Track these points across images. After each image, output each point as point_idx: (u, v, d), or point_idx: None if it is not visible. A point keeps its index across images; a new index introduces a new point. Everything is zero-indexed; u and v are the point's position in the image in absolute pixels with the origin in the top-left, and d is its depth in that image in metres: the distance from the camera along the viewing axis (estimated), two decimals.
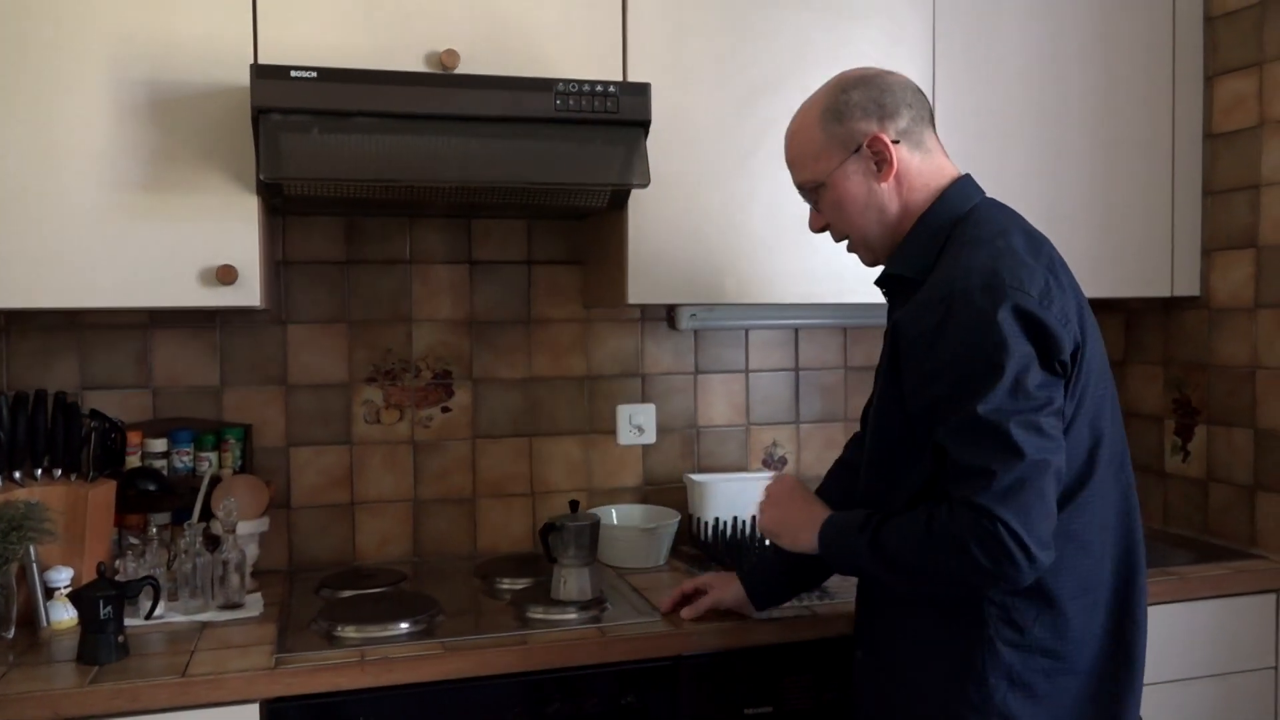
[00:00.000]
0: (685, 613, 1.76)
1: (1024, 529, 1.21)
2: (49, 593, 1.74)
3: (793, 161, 1.52)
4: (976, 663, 1.34)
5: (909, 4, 2.12)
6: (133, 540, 1.87)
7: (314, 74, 1.69)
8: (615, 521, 2.26)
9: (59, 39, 1.70)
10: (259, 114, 1.69)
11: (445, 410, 2.28)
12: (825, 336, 2.53)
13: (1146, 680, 1.44)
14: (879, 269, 1.52)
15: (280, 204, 2.04)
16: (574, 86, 1.80)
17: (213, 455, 2.08)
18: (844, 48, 2.07)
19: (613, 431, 2.37)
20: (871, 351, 2.54)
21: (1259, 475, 2.26)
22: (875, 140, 1.41)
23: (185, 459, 2.07)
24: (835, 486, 1.78)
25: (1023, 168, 2.19)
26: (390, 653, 1.61)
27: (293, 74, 1.68)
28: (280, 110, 1.69)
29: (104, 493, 1.86)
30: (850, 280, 2.00)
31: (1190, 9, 2.34)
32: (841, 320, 2.51)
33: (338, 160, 1.72)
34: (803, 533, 1.49)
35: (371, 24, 1.83)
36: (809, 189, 1.50)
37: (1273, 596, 2.08)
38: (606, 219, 2.10)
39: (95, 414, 1.91)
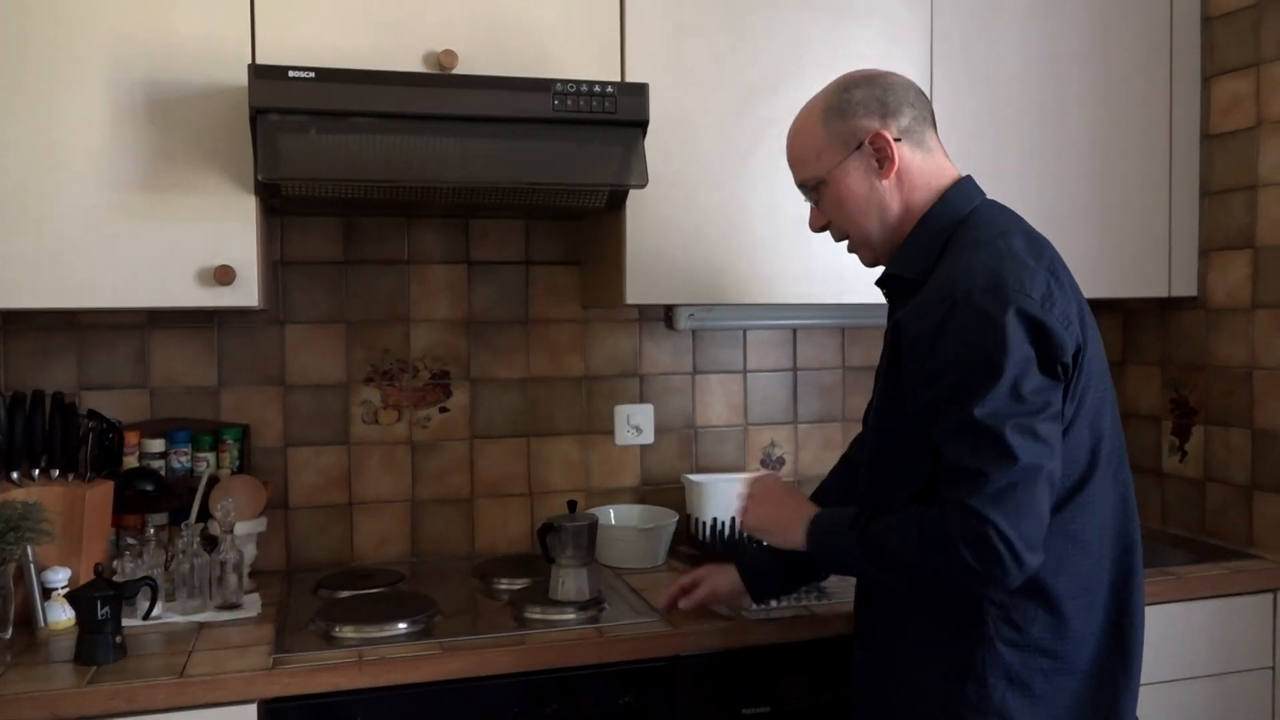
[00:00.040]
0: (682, 603, 1.76)
1: (1014, 532, 1.22)
2: (46, 593, 1.74)
3: (794, 159, 1.52)
4: (976, 662, 1.34)
5: (907, 5, 2.12)
6: (130, 541, 1.87)
7: (312, 74, 1.69)
8: (613, 522, 2.26)
9: (58, 39, 1.69)
10: (257, 114, 1.69)
11: (443, 410, 2.28)
12: (823, 337, 2.53)
13: (1144, 680, 1.44)
14: (878, 270, 1.53)
15: (278, 204, 2.04)
16: (572, 87, 1.80)
17: (210, 455, 2.08)
18: (842, 48, 2.07)
19: (611, 432, 2.37)
20: (869, 352, 2.54)
21: (1256, 475, 2.26)
22: (877, 137, 1.42)
23: (183, 459, 2.07)
24: (836, 485, 1.78)
25: (1020, 168, 2.19)
26: (388, 653, 1.61)
27: (291, 74, 1.68)
28: (278, 110, 1.69)
29: (101, 493, 1.85)
30: (848, 280, 2.00)
31: (1188, 10, 2.34)
32: (839, 320, 2.51)
33: (336, 160, 1.72)
34: (792, 530, 1.49)
35: (370, 24, 1.83)
36: (810, 187, 1.50)
37: (1270, 596, 2.09)
38: (604, 219, 2.10)
39: (93, 414, 1.91)
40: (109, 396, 2.06)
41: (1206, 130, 2.36)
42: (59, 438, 1.84)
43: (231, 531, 1.85)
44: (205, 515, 1.95)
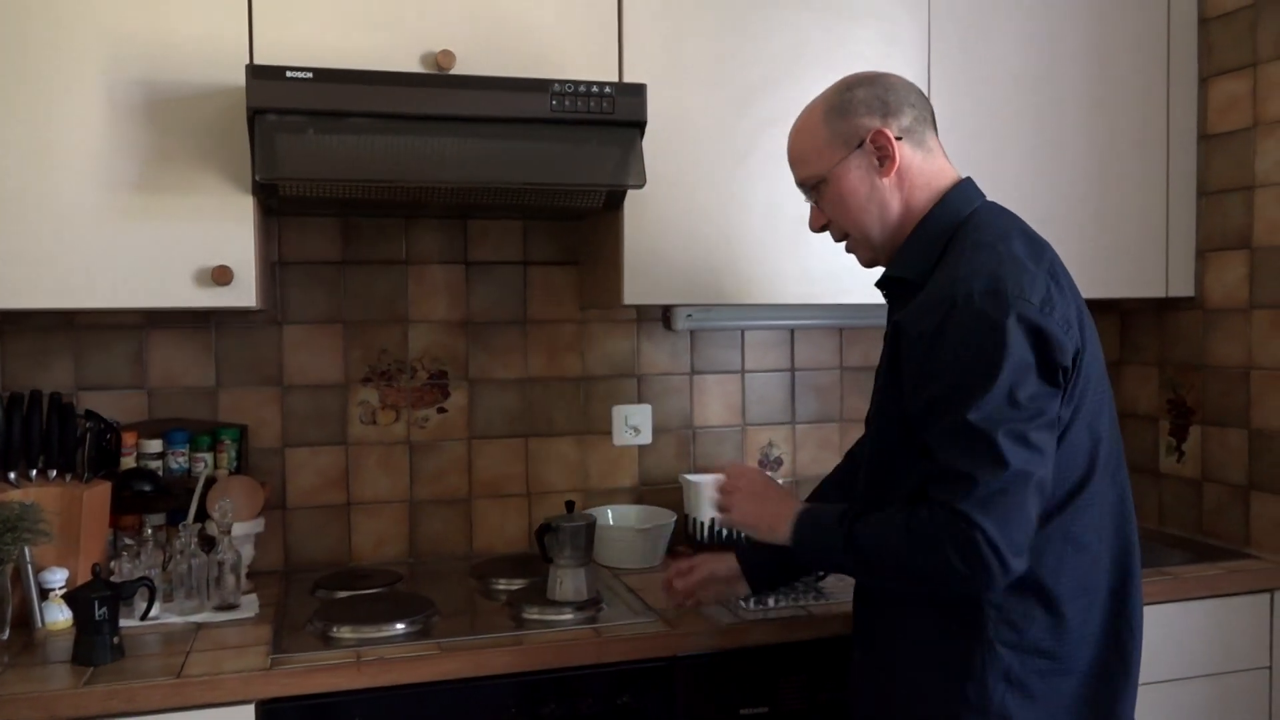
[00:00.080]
0: (678, 583, 1.75)
1: (1001, 538, 1.23)
2: (44, 594, 1.74)
3: (795, 158, 1.52)
4: (975, 663, 1.34)
5: (905, 5, 2.12)
6: (128, 541, 1.87)
7: (309, 74, 1.69)
8: (611, 522, 2.26)
9: (56, 39, 1.69)
10: (254, 114, 1.69)
11: (441, 411, 2.28)
12: (821, 337, 2.54)
13: (1141, 680, 1.44)
14: (876, 270, 1.53)
15: (276, 204, 2.03)
16: (570, 87, 1.80)
17: (208, 456, 2.08)
18: (840, 48, 2.07)
19: (608, 432, 2.37)
20: (867, 352, 2.55)
21: (1253, 475, 2.26)
22: (879, 135, 1.42)
23: (181, 460, 2.07)
24: (835, 482, 1.79)
25: (1018, 168, 2.20)
26: (386, 653, 1.61)
27: (288, 74, 1.68)
28: (276, 111, 1.69)
29: (99, 494, 1.85)
30: (846, 281, 2.00)
31: (1185, 10, 2.35)
32: (837, 321, 2.51)
33: (333, 161, 1.72)
34: (778, 525, 1.49)
35: (367, 24, 1.83)
36: (810, 186, 1.50)
37: (1267, 596, 2.09)
38: (602, 219, 2.10)
39: (90, 414, 1.91)
40: (106, 397, 2.06)
41: (1204, 131, 2.36)
42: (56, 438, 1.83)
43: (229, 532, 1.85)
44: (203, 516, 1.95)
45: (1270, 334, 2.21)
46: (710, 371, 2.46)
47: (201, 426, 2.11)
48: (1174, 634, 2.00)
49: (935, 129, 1.49)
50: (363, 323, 2.22)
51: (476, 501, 2.30)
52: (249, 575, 1.98)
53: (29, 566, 1.73)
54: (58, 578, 1.75)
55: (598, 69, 1.94)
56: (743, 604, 1.84)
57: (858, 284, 1.88)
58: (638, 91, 1.83)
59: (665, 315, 2.40)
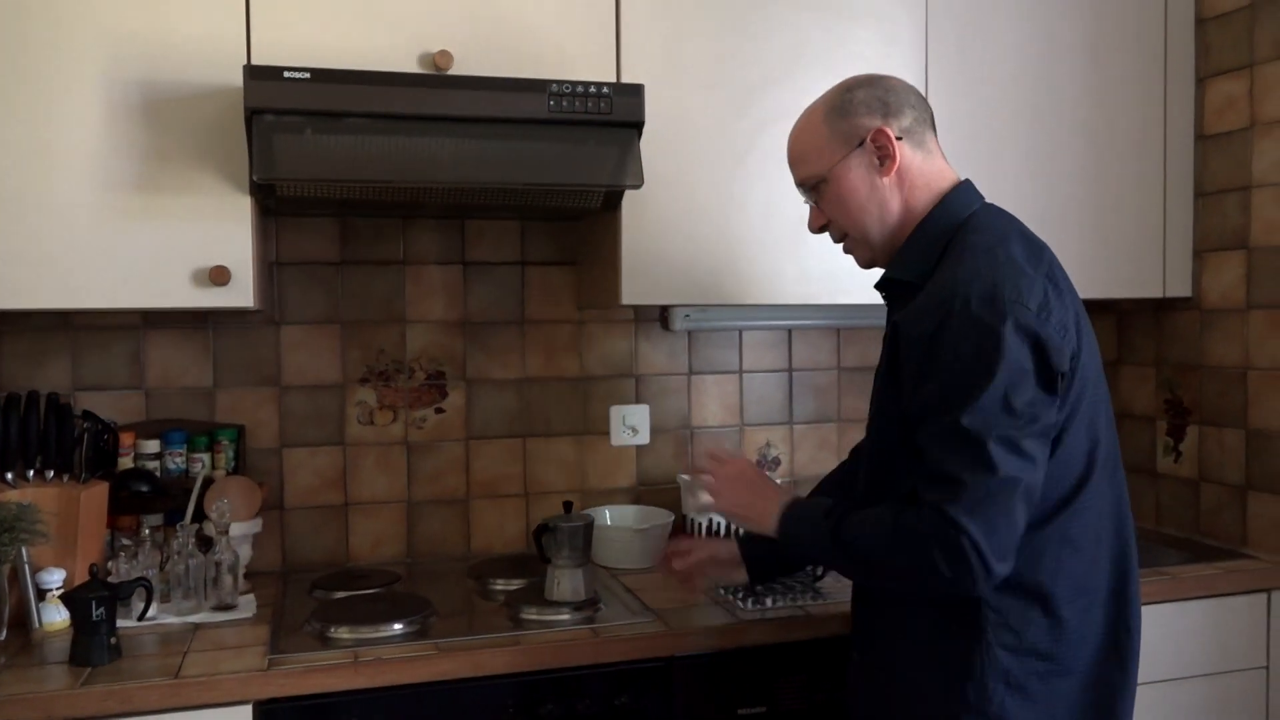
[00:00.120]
0: (676, 563, 1.75)
1: (986, 542, 1.24)
2: (41, 594, 1.74)
3: (795, 159, 1.52)
4: (974, 664, 1.34)
5: (903, 5, 2.12)
6: (125, 542, 1.87)
7: (307, 75, 1.69)
8: (609, 522, 2.26)
9: (55, 39, 1.69)
10: (252, 115, 1.69)
11: (439, 411, 2.28)
12: (818, 337, 2.54)
13: (1138, 680, 1.44)
14: (875, 271, 1.53)
15: (273, 205, 2.03)
16: (567, 87, 1.80)
17: (206, 456, 2.08)
18: (839, 49, 2.07)
19: (606, 432, 2.37)
20: (865, 352, 2.55)
21: (1250, 476, 2.26)
22: (879, 134, 1.42)
23: (178, 460, 2.07)
24: (835, 483, 1.79)
25: (1015, 169, 2.20)
26: (383, 654, 1.61)
27: (286, 75, 1.68)
28: (273, 111, 1.69)
29: (96, 494, 1.85)
30: (844, 281, 2.01)
31: (1182, 11, 2.35)
32: (835, 321, 2.51)
33: (331, 161, 1.72)
34: (765, 516, 1.50)
35: (365, 25, 1.83)
36: (810, 185, 1.50)
37: (1264, 596, 2.09)
38: (600, 220, 2.10)
39: (88, 415, 1.91)
40: (104, 397, 2.06)
41: (1201, 131, 2.37)
42: (54, 439, 1.83)
43: (227, 532, 1.85)
44: (200, 516, 1.94)
45: (1267, 334, 2.22)
46: (708, 372, 2.46)
47: (199, 427, 2.11)
48: (1171, 634, 2.00)
49: (935, 131, 1.49)
50: (360, 323, 2.22)
51: (474, 502, 2.30)
52: (246, 576, 1.98)
53: (26, 567, 1.73)
54: (55, 578, 1.74)
55: (596, 69, 1.94)
56: (740, 604, 1.84)
57: (856, 284, 1.88)
58: (635, 92, 1.83)
59: (663, 315, 2.40)
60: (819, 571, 1.96)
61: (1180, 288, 2.37)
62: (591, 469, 2.38)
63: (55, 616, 1.73)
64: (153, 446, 2.05)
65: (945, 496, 1.25)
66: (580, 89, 1.80)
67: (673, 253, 2.00)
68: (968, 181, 1.48)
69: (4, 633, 1.69)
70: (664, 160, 1.96)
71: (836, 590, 1.88)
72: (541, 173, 1.81)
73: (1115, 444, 1.44)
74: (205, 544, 1.87)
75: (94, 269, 1.71)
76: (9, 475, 1.80)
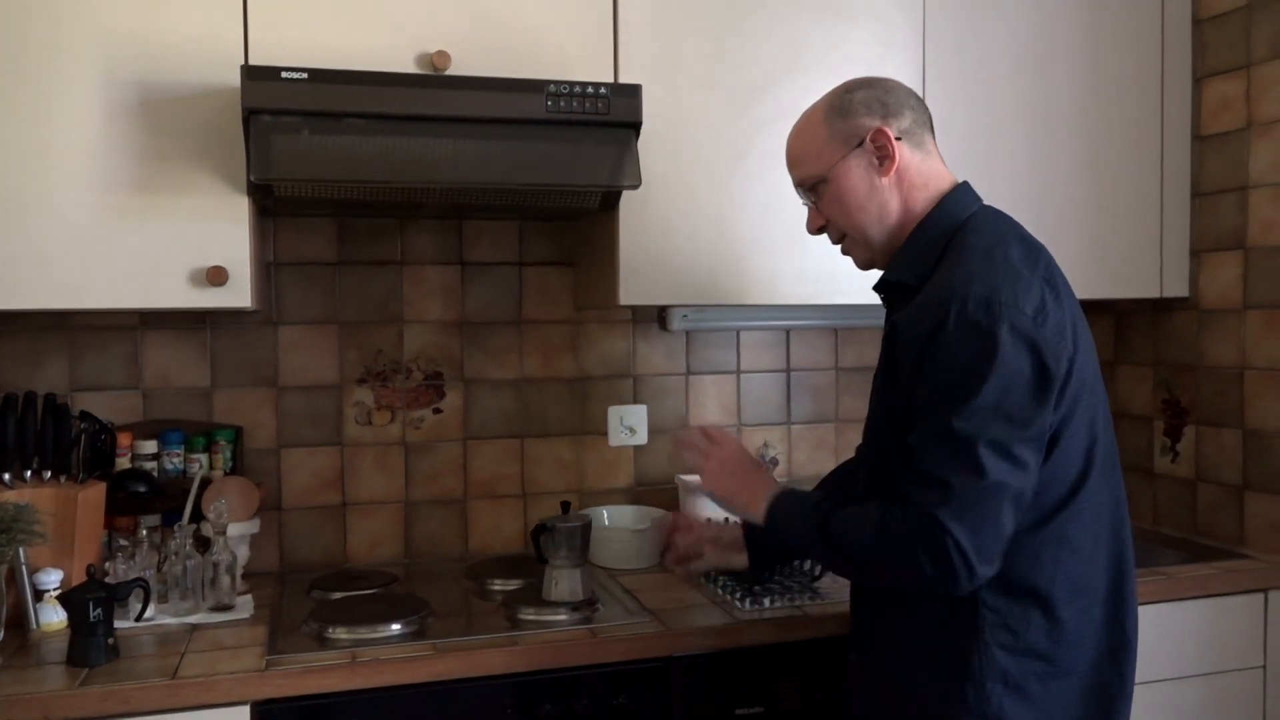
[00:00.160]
0: (680, 538, 1.75)
1: (971, 546, 1.25)
2: (38, 595, 1.74)
3: (795, 159, 1.53)
4: (973, 665, 1.34)
5: (899, 6, 2.13)
6: (123, 542, 1.86)
7: (304, 75, 1.69)
8: (606, 523, 2.26)
9: (53, 39, 1.69)
10: (249, 115, 1.69)
11: (436, 411, 2.28)
12: (816, 338, 2.54)
13: (1135, 680, 1.44)
14: (874, 272, 1.53)
15: (271, 205, 2.03)
16: (565, 88, 1.80)
17: (203, 457, 2.08)
18: (836, 49, 2.08)
19: (604, 433, 2.37)
20: (863, 353, 2.55)
21: (1247, 476, 2.27)
22: (879, 134, 1.43)
23: (176, 461, 2.07)
24: (834, 483, 1.79)
25: (1013, 169, 2.20)
26: (381, 654, 1.61)
27: (283, 75, 1.68)
28: (271, 111, 1.69)
29: (94, 495, 1.85)
30: (842, 281, 2.00)
31: (1179, 11, 2.35)
32: (833, 321, 2.51)
33: (328, 161, 1.72)
34: (754, 503, 1.51)
35: (363, 25, 1.82)
36: (809, 186, 1.50)
37: (1260, 596, 2.09)
38: (598, 220, 2.10)
39: (85, 415, 1.91)
40: (101, 398, 2.06)
41: (1197, 131, 2.37)
42: (51, 439, 1.83)
43: (224, 533, 1.85)
44: (198, 517, 1.94)
45: (1264, 334, 2.22)
46: (706, 372, 2.46)
47: (197, 427, 2.11)
48: (1168, 634, 2.00)
49: (933, 134, 1.50)
50: (358, 323, 2.22)
51: (472, 502, 2.30)
52: (244, 576, 1.97)
53: (24, 568, 1.73)
54: (52, 579, 1.74)
55: (593, 69, 1.94)
56: (738, 604, 1.84)
57: (854, 285, 1.88)
58: (633, 92, 1.84)
59: (661, 316, 2.40)
60: (817, 571, 1.96)
61: (1177, 288, 2.37)
62: (589, 469, 2.38)
63: (53, 617, 1.73)
64: (150, 447, 2.05)
65: (933, 498, 1.26)
66: (578, 89, 1.80)
67: (671, 253, 2.00)
68: (966, 183, 1.49)
69: (1, 633, 1.69)
70: (662, 160, 1.96)
71: (834, 590, 1.88)
72: (539, 173, 1.81)
73: (1113, 444, 1.44)
74: (203, 544, 1.87)
75: (92, 269, 1.71)
76: (6, 476, 1.79)
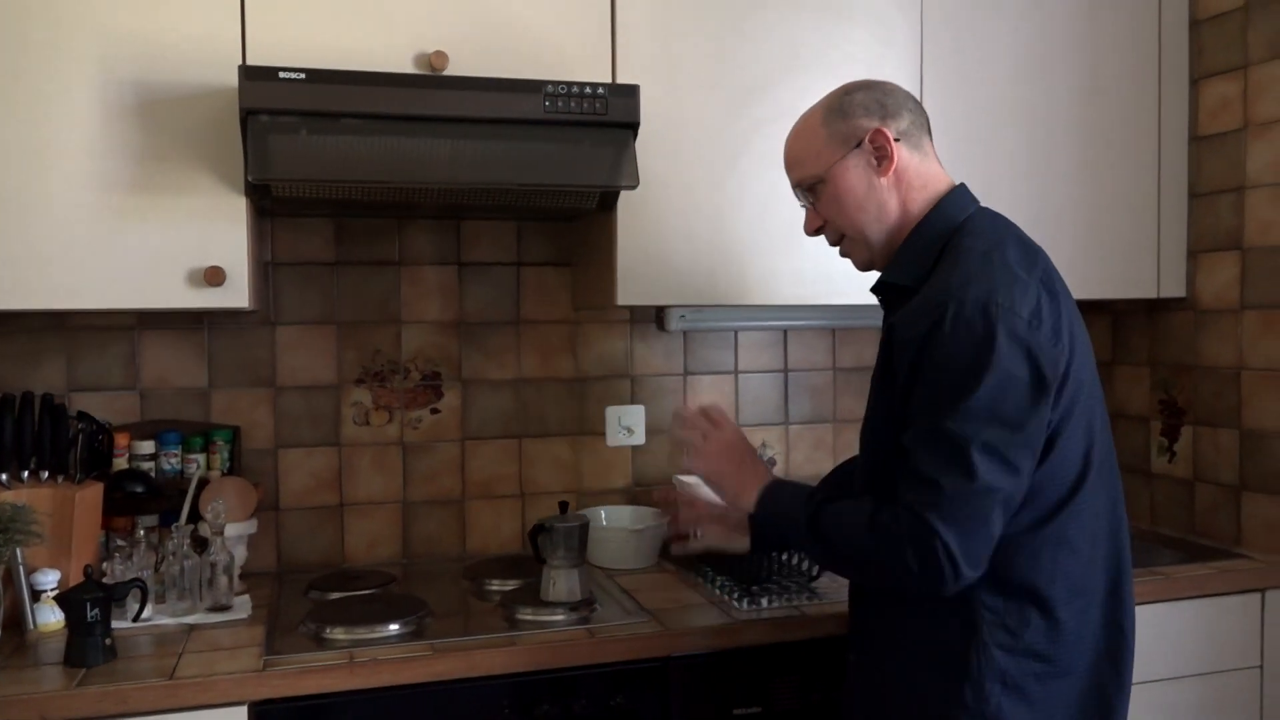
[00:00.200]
0: (684, 513, 1.75)
1: (959, 548, 1.25)
2: (36, 595, 1.74)
3: (793, 160, 1.53)
4: (971, 665, 1.35)
5: (898, 7, 2.13)
6: (120, 542, 1.86)
7: (302, 75, 1.69)
8: (604, 523, 2.26)
9: (51, 39, 1.69)
10: (247, 115, 1.68)
11: (434, 412, 2.27)
12: (814, 338, 2.54)
13: (1133, 680, 1.44)
14: (871, 273, 1.53)
15: (269, 205, 2.03)
16: (563, 88, 1.80)
17: (201, 457, 2.08)
18: (834, 50, 2.08)
19: (602, 433, 2.38)
20: (860, 353, 2.55)
21: (1244, 476, 2.27)
22: (877, 134, 1.43)
23: (173, 461, 2.06)
24: (833, 484, 1.79)
25: (1010, 170, 2.20)
26: (379, 654, 1.61)
27: (281, 75, 1.68)
28: (268, 111, 1.69)
29: (91, 495, 1.85)
30: (839, 281, 2.01)
31: (1176, 12, 2.36)
32: (830, 321, 2.51)
33: (326, 162, 1.72)
34: (745, 492, 1.51)
35: (361, 25, 1.82)
36: (808, 187, 1.50)
37: (1257, 596, 2.10)
38: (596, 220, 2.10)
39: (83, 416, 1.91)
40: (99, 398, 2.06)
41: (1195, 132, 2.37)
42: (49, 439, 1.83)
43: (222, 533, 1.85)
44: (195, 517, 1.94)
45: (1261, 334, 2.22)
46: (704, 372, 2.46)
47: (194, 428, 2.11)
48: (1165, 634, 2.00)
49: (931, 137, 1.50)
50: (356, 323, 2.22)
51: (470, 502, 2.30)
52: (242, 576, 1.97)
53: (21, 568, 1.73)
54: (50, 579, 1.74)
55: (591, 70, 1.94)
56: (736, 604, 1.84)
57: (851, 285, 1.88)
58: (631, 92, 1.84)
59: (659, 316, 2.41)
60: (815, 571, 1.96)
61: (1174, 288, 2.37)
62: (587, 469, 2.38)
63: (50, 617, 1.73)
64: (148, 447, 2.05)
65: (923, 500, 1.27)
66: (576, 89, 1.81)
67: (668, 253, 2.00)
68: (963, 185, 1.49)
69: None
70: (660, 161, 1.96)
71: (832, 591, 1.89)
72: (537, 173, 1.81)
73: (1110, 445, 1.44)
74: (200, 545, 1.87)
75: (89, 269, 1.71)
76: (4, 476, 1.79)
